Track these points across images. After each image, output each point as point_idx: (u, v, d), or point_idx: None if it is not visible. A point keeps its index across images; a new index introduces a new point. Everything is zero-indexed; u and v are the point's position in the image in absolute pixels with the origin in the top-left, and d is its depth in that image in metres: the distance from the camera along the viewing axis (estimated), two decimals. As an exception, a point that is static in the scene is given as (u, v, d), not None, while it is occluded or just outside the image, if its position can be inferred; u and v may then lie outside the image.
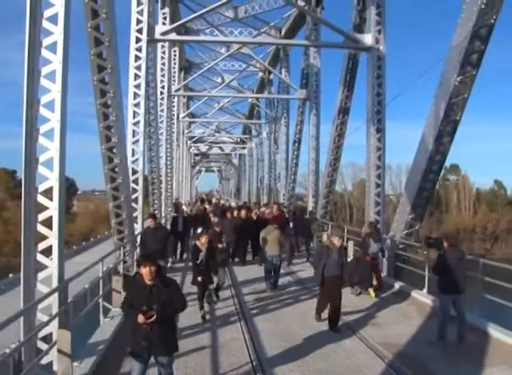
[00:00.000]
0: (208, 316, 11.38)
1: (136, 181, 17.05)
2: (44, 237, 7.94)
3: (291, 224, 20.92)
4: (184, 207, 28.21)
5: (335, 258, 10.59)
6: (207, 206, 28.65)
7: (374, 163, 18.13)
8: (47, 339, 7.56)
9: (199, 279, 11.40)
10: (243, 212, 20.62)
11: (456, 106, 14.33)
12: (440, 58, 14.91)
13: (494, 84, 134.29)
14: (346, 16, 22.02)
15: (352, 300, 13.09)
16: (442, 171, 18.83)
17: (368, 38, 18.21)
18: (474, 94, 14.14)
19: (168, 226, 21.18)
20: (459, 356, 9.00)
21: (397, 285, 14.67)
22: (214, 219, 19.67)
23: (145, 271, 6.19)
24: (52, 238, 7.92)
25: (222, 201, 48.45)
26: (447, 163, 56.65)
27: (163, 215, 25.10)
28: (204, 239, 11.51)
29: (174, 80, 32.64)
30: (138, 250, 14.90)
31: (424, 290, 13.16)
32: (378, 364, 8.60)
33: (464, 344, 9.62)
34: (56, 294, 7.77)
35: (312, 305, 11.68)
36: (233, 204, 42.01)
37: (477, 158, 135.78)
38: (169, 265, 16.91)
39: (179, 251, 20.69)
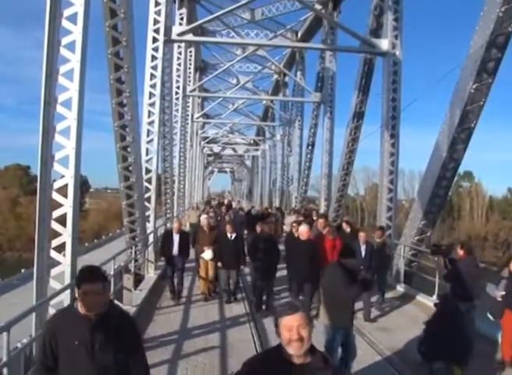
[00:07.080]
0: None
1: (149, 180, 17.07)
2: (57, 234, 8.03)
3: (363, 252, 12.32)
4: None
5: None
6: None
7: (387, 168, 18.10)
8: (58, 335, 7.61)
9: None
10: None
11: (471, 113, 14.27)
12: (457, 65, 14.89)
13: (510, 92, 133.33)
14: (363, 21, 22.09)
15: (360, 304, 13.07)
16: (456, 177, 18.71)
17: (384, 43, 18.19)
18: (490, 102, 14.07)
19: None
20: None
21: (407, 290, 14.68)
22: (231, 236, 13.21)
23: None
24: (66, 235, 8.00)
25: (233, 204, 47.80)
26: (460, 170, 56.28)
27: (175, 214, 25.04)
28: None
29: (189, 81, 32.82)
30: None
31: (434, 296, 13.11)
32: (386, 369, 8.64)
33: (473, 352, 9.57)
34: (68, 291, 7.83)
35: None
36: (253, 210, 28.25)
37: (491, 165, 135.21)
38: None
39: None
